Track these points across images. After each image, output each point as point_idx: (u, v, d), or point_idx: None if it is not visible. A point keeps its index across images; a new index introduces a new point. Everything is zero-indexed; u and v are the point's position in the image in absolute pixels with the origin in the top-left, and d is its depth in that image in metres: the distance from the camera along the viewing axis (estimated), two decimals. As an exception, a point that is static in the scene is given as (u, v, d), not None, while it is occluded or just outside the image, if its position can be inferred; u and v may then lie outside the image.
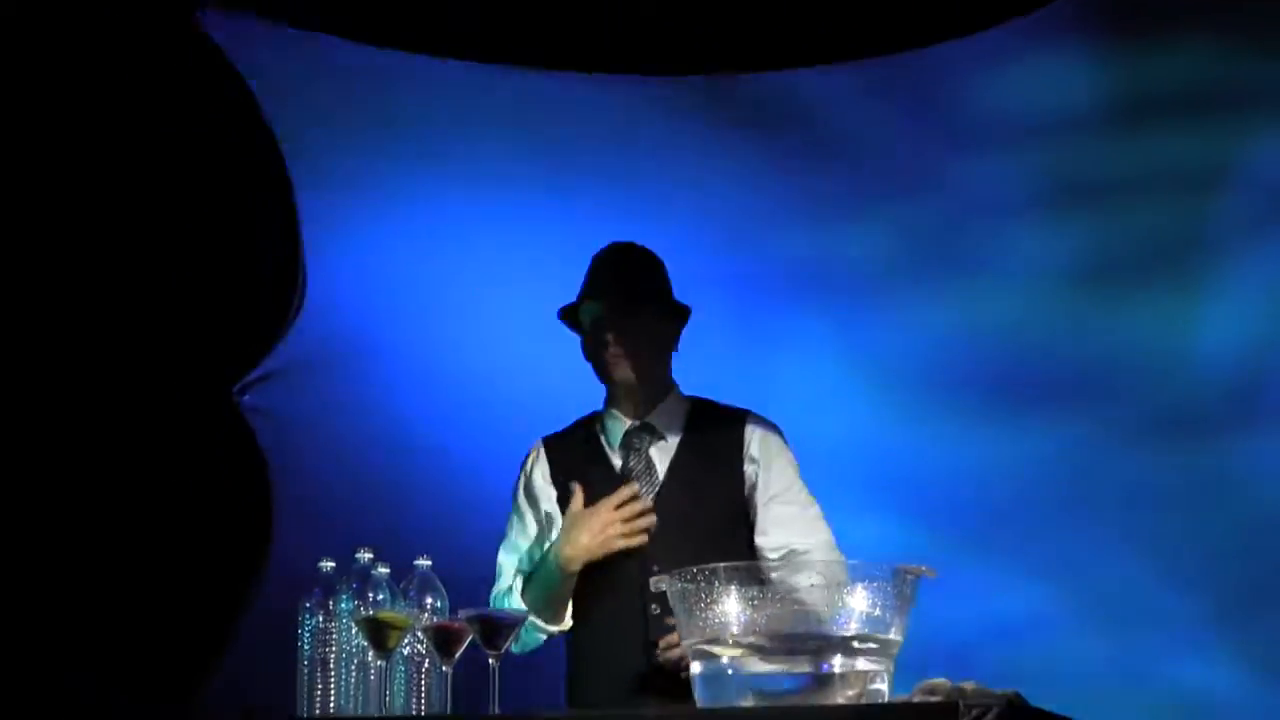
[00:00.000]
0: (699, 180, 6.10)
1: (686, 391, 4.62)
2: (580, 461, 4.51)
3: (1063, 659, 5.82)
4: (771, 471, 4.48)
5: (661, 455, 4.51)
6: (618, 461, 4.51)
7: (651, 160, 6.09)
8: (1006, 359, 5.98)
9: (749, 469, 4.49)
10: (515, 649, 4.36)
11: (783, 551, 4.41)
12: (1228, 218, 5.87)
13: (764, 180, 6.09)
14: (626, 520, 4.35)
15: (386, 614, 3.66)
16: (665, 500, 4.44)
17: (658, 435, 4.52)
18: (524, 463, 4.61)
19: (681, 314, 4.57)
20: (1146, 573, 5.85)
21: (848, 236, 6.08)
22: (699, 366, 5.73)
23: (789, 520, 4.45)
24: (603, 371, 4.53)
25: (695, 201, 6.08)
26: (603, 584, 4.40)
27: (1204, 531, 5.84)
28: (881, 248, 6.08)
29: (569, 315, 4.57)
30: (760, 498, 4.47)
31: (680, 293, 4.60)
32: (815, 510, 4.50)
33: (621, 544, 4.35)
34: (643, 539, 4.37)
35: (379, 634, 3.65)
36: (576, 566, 4.38)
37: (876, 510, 5.87)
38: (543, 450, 4.58)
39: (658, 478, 4.48)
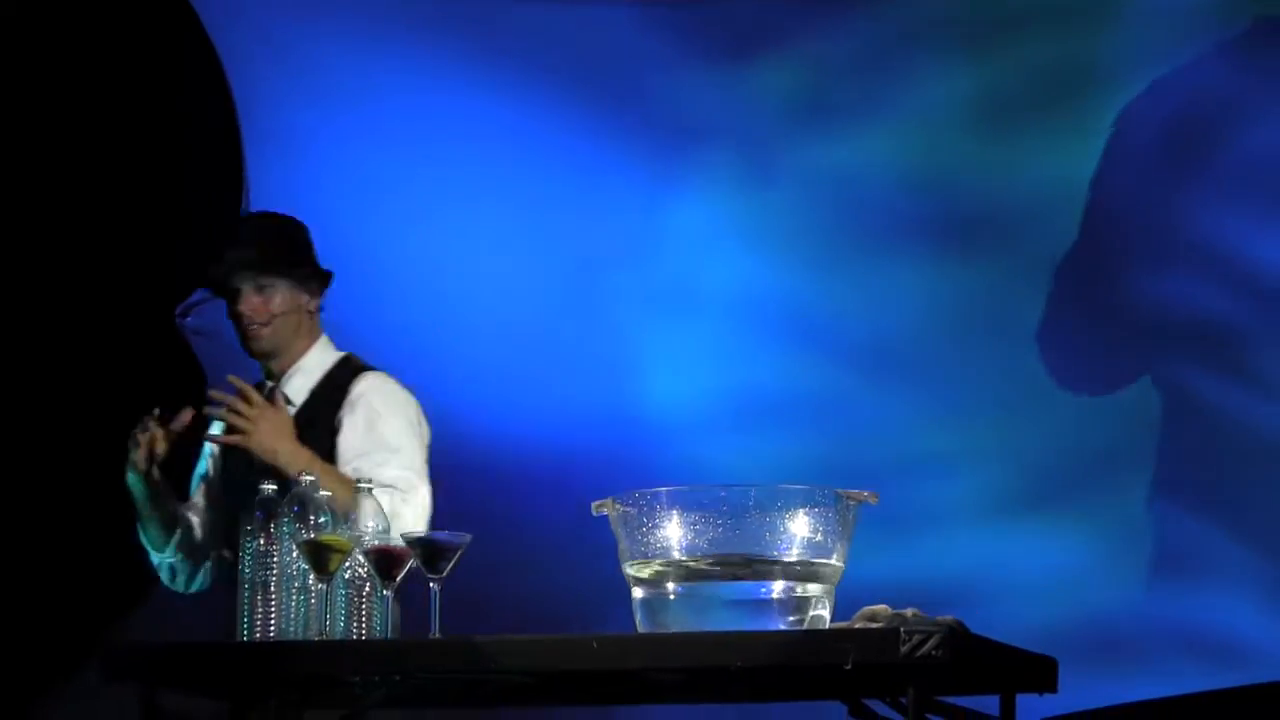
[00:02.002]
0: (593, 31, 6.07)
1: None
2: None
3: (970, 492, 5.85)
4: (356, 417, 4.46)
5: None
6: None
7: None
8: (905, 202, 5.97)
9: (343, 420, 4.48)
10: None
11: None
12: (1123, 50, 5.86)
13: (658, 27, 6.06)
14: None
15: (328, 537, 3.65)
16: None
17: (288, 400, 4.52)
18: None
19: (321, 278, 4.58)
20: (1056, 409, 5.87)
21: (743, 83, 6.05)
22: (598, 215, 5.72)
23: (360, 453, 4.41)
24: (241, 340, 4.57)
25: (591, 55, 6.05)
26: None
27: (1111, 368, 5.86)
28: (778, 94, 6.04)
29: (215, 284, 4.58)
30: (344, 443, 4.45)
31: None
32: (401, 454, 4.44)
33: None
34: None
35: (320, 557, 3.64)
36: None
37: (782, 353, 5.87)
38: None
39: None
